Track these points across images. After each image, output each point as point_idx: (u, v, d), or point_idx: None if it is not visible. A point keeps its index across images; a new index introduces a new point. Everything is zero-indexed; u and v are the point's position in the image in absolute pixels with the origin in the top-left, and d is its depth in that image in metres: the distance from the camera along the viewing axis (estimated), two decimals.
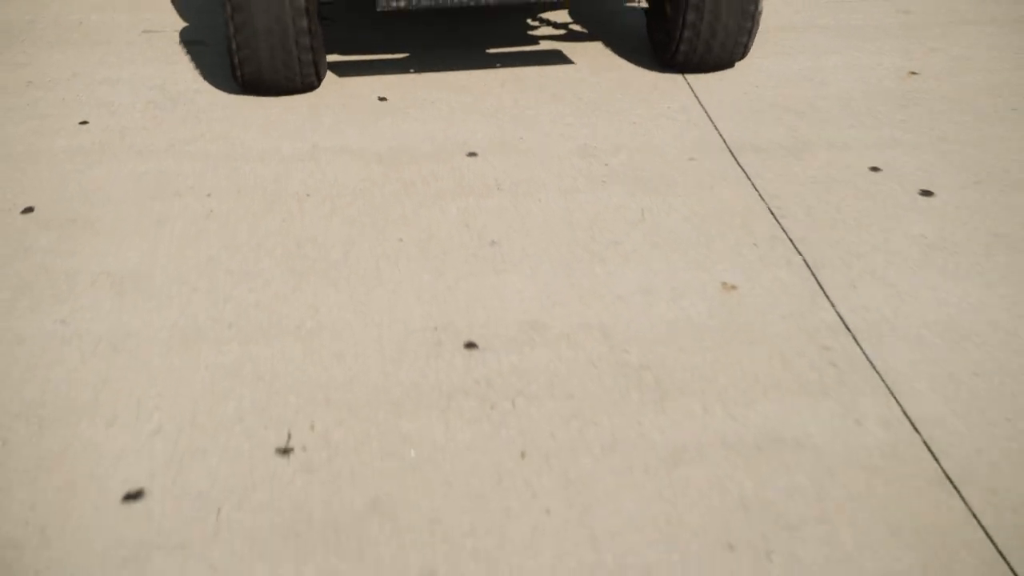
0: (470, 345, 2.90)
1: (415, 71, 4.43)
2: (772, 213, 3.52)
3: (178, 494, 2.44)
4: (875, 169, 3.80)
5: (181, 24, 5.23)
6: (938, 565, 2.22)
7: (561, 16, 5.17)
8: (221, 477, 2.48)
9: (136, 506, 2.41)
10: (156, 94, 4.43)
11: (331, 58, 4.75)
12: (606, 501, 2.39)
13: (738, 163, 3.84)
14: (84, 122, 4.17)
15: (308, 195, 3.64)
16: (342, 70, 4.58)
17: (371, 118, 4.14)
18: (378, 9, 4.07)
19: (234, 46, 4.09)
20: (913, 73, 4.60)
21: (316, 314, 3.04)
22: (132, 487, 2.46)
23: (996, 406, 2.65)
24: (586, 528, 2.32)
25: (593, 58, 4.72)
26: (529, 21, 5.06)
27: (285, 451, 2.56)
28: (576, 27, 5.01)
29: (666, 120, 4.16)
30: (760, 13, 4.24)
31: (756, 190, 3.66)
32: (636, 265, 3.24)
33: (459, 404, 2.69)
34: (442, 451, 2.55)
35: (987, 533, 2.30)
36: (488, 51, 4.66)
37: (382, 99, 4.33)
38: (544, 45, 4.73)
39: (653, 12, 4.62)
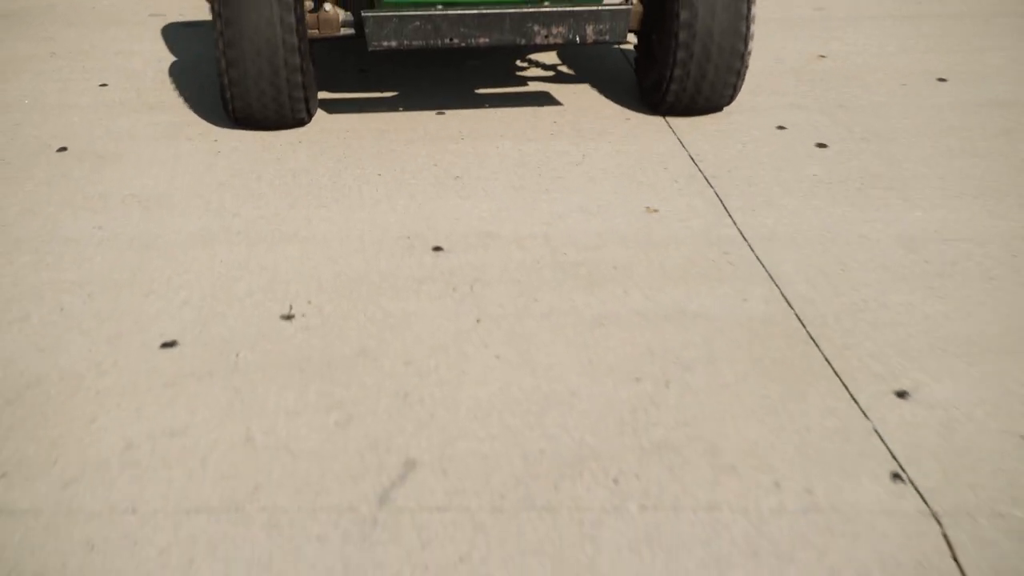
0: (437, 248, 3.56)
1: (403, 109, 4.62)
2: (691, 159, 4.22)
3: (204, 343, 3.07)
4: (781, 127, 4.51)
5: (182, 8, 5.89)
6: (795, 393, 2.89)
7: (550, 57, 5.29)
8: (238, 332, 3.12)
9: (172, 351, 3.05)
10: (165, 64, 5.08)
11: (321, 95, 4.86)
12: (543, 349, 3.05)
13: (667, 122, 4.53)
14: (104, 84, 4.81)
15: (300, 142, 4.31)
16: (331, 106, 4.73)
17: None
18: (370, 48, 4.09)
19: (226, 81, 4.15)
20: (822, 56, 5.33)
21: (309, 225, 3.70)
22: (167, 338, 3.09)
23: (851, 288, 3.34)
24: (527, 366, 2.98)
25: (579, 98, 4.87)
26: (518, 62, 5.17)
27: (288, 317, 3.20)
28: (564, 68, 5.12)
29: (606, 85, 4.86)
30: (749, 55, 4.30)
31: (680, 142, 4.35)
32: (575, 193, 3.92)
33: (428, 287, 3.35)
34: (413, 316, 3.20)
35: (833, 369, 2.97)
36: (476, 91, 4.81)
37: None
38: (532, 86, 4.86)
39: (642, 55, 4.68)
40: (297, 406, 2.81)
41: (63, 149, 4.22)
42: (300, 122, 4.31)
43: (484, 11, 4.01)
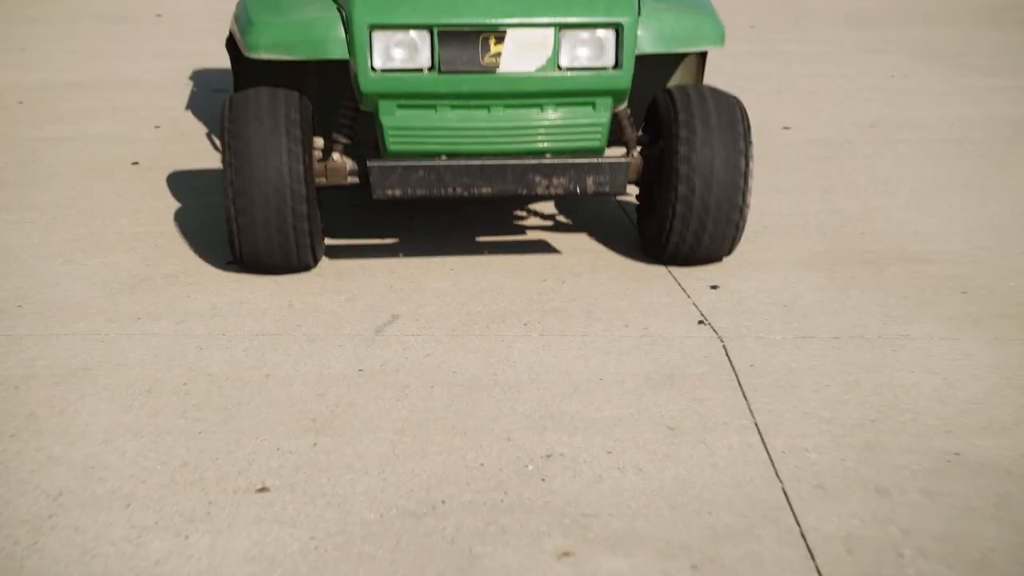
0: None
1: (403, 255, 4.65)
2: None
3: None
4: None
5: (161, 157, 7.41)
6: (647, 286, 4.39)
7: (548, 206, 5.33)
8: None
9: None
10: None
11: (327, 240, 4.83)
12: (490, 278, 4.57)
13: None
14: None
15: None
16: (334, 252, 4.68)
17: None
18: (374, 196, 4.12)
19: (235, 228, 4.15)
20: None
21: None
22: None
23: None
24: (475, 280, 4.48)
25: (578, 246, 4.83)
26: (516, 212, 5.21)
27: None
28: (561, 217, 5.16)
29: None
30: (748, 208, 4.34)
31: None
32: None
33: None
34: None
35: (673, 276, 4.49)
36: (477, 239, 4.84)
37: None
38: (531, 235, 4.91)
39: (643, 206, 4.69)
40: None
41: None
42: (306, 267, 4.35)
43: (487, 162, 4.10)
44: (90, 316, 4.02)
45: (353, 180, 4.35)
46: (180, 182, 5.56)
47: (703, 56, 4.72)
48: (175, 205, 5.25)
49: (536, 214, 5.13)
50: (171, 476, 3.01)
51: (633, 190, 4.71)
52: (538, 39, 4.05)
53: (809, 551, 2.74)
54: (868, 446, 3.20)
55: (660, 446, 3.19)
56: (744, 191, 4.25)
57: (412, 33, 4.01)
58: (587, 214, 5.14)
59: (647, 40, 4.21)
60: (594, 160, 4.15)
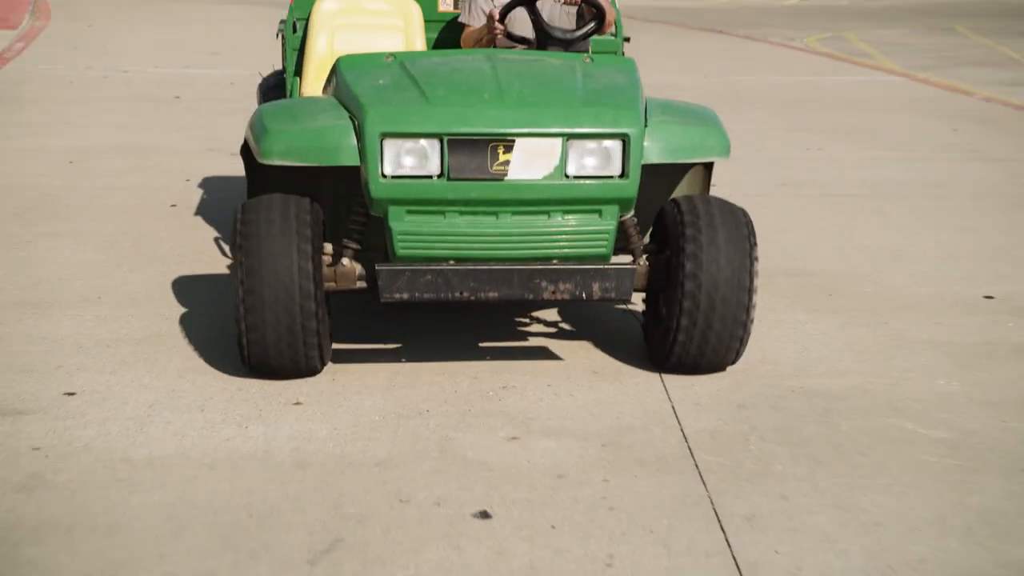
0: None
1: (405, 360, 4.60)
2: None
3: None
4: None
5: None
6: None
7: (551, 314, 5.23)
8: None
9: None
10: None
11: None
12: None
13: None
14: None
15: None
16: (339, 356, 4.60)
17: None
18: (382, 300, 4.12)
19: (243, 327, 4.13)
20: None
21: None
22: None
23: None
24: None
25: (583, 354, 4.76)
26: (519, 318, 5.15)
27: None
28: (565, 325, 5.11)
29: None
30: (752, 322, 4.34)
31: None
32: None
33: None
34: None
35: None
36: (480, 344, 4.81)
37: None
38: (532, 341, 4.89)
39: (649, 313, 4.65)
40: None
41: None
42: (313, 370, 4.31)
43: (494, 267, 4.10)
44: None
45: (362, 285, 4.36)
46: (211, 218, 6.78)
47: (709, 166, 4.77)
48: (211, 235, 6.42)
49: (539, 320, 5.16)
50: (231, 395, 4.17)
51: (639, 297, 4.79)
52: (546, 148, 4.11)
53: (684, 437, 3.93)
54: (737, 383, 4.41)
55: (586, 382, 4.38)
56: (749, 301, 4.27)
57: (423, 141, 4.08)
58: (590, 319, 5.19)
59: (654, 151, 4.27)
60: (600, 266, 4.17)
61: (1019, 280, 5.83)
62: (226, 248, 6.06)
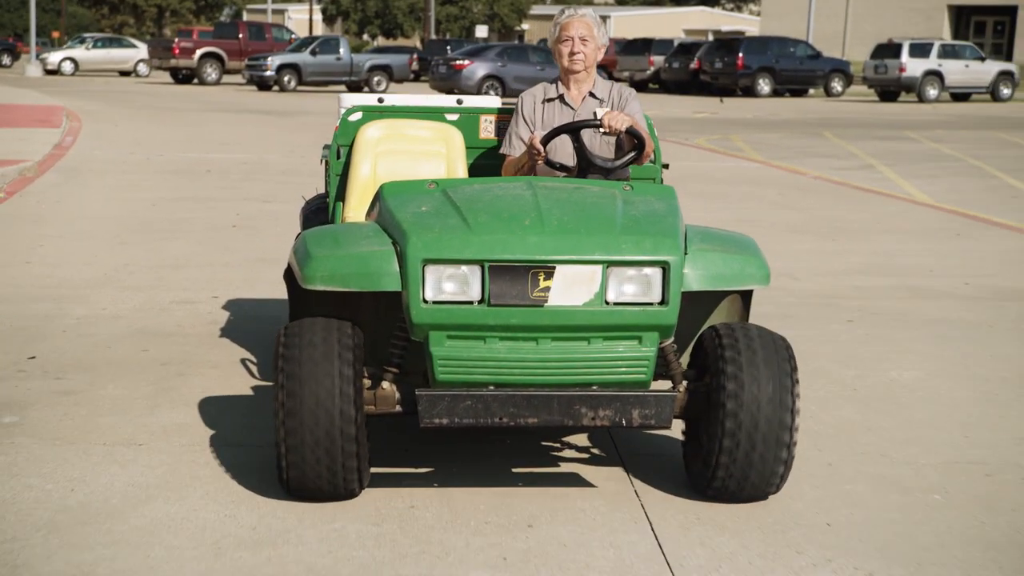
0: None
1: (438, 485, 4.53)
2: None
3: None
4: None
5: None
6: None
7: (581, 439, 5.14)
8: None
9: None
10: None
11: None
12: None
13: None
14: None
15: None
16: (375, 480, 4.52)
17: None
18: (421, 424, 4.10)
19: (283, 450, 4.13)
20: None
21: None
22: None
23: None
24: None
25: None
26: (545, 442, 5.07)
27: None
28: (596, 450, 5.01)
29: None
30: (795, 444, 4.28)
31: None
32: None
33: None
34: None
35: None
36: (513, 470, 4.72)
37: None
38: (564, 467, 4.78)
39: (689, 440, 4.59)
40: None
41: None
42: (351, 494, 4.28)
43: (534, 392, 4.09)
44: None
45: (401, 408, 4.36)
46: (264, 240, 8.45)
47: (748, 293, 4.79)
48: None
49: (570, 446, 5.08)
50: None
51: (679, 425, 4.69)
52: (586, 275, 4.11)
53: None
54: None
55: None
56: (791, 428, 4.23)
57: (464, 268, 4.10)
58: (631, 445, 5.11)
59: (694, 278, 4.27)
60: (640, 393, 4.14)
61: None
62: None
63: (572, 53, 5.34)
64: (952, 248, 10.33)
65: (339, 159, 5.76)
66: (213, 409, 5.38)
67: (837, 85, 41.15)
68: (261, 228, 10.53)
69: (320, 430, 4.07)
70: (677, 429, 4.77)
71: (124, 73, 48.63)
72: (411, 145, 5.68)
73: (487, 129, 5.86)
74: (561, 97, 5.43)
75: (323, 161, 5.96)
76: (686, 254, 4.27)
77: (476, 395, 4.08)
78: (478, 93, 32.19)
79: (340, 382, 4.09)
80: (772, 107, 33.36)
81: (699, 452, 4.44)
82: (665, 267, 4.15)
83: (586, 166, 5.17)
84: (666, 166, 5.86)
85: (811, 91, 41.77)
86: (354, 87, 37.74)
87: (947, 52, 38.92)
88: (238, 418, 5.28)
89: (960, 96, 39.63)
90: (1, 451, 4.79)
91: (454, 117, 5.81)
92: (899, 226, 11.59)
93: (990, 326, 7.40)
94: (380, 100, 5.90)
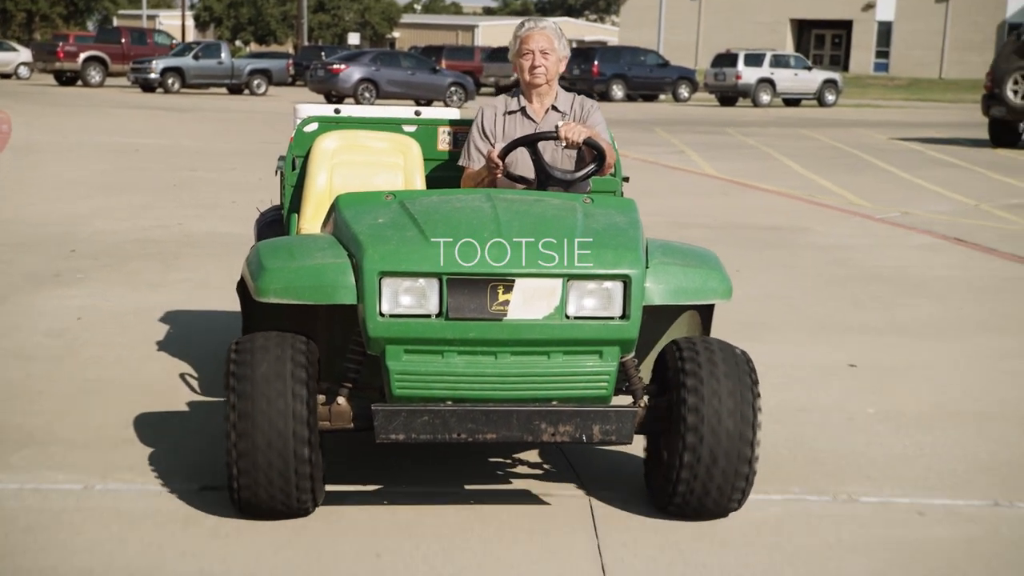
0: None
1: (387, 503, 4.47)
2: None
3: None
4: None
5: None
6: None
7: (534, 455, 5.06)
8: None
9: None
10: None
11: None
12: None
13: None
14: None
15: None
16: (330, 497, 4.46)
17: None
18: (378, 440, 4.03)
19: (235, 471, 4.06)
20: None
21: None
22: None
23: None
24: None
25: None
26: (504, 458, 4.99)
27: None
28: (548, 466, 4.93)
29: None
30: (757, 459, 4.25)
31: None
32: None
33: None
34: None
35: None
36: (466, 487, 4.64)
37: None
38: (516, 484, 4.71)
39: (650, 456, 4.55)
40: None
41: None
42: (304, 512, 4.22)
43: (492, 408, 4.03)
44: None
45: (356, 424, 4.27)
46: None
47: (709, 308, 4.76)
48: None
49: (524, 462, 5.00)
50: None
51: (639, 441, 4.62)
52: (546, 289, 4.06)
53: None
54: None
55: None
56: (753, 443, 4.20)
57: (421, 280, 4.03)
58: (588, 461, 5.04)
59: (655, 292, 4.23)
60: (601, 408, 4.11)
61: None
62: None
63: (533, 67, 5.27)
64: (716, 203, 13.95)
65: (294, 170, 5.66)
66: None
67: (684, 91, 44.34)
68: (195, 187, 13.94)
69: (273, 452, 4.00)
70: (638, 446, 4.69)
71: (4, 76, 47.71)
72: (368, 156, 5.59)
73: (445, 141, 5.79)
74: (523, 110, 5.37)
75: (278, 172, 5.86)
76: (647, 268, 4.23)
77: (434, 410, 4.03)
78: (354, 95, 36.31)
79: (294, 403, 4.01)
80: (622, 110, 35.64)
81: (660, 468, 4.40)
82: (626, 281, 4.10)
83: (545, 179, 5.10)
84: (626, 179, 5.82)
85: (661, 97, 44.64)
86: (235, 89, 41.14)
87: (778, 62, 42.85)
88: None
89: (791, 102, 43.38)
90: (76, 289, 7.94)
91: (412, 128, 5.75)
92: (687, 190, 15.32)
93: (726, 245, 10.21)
94: (337, 111, 5.84)
